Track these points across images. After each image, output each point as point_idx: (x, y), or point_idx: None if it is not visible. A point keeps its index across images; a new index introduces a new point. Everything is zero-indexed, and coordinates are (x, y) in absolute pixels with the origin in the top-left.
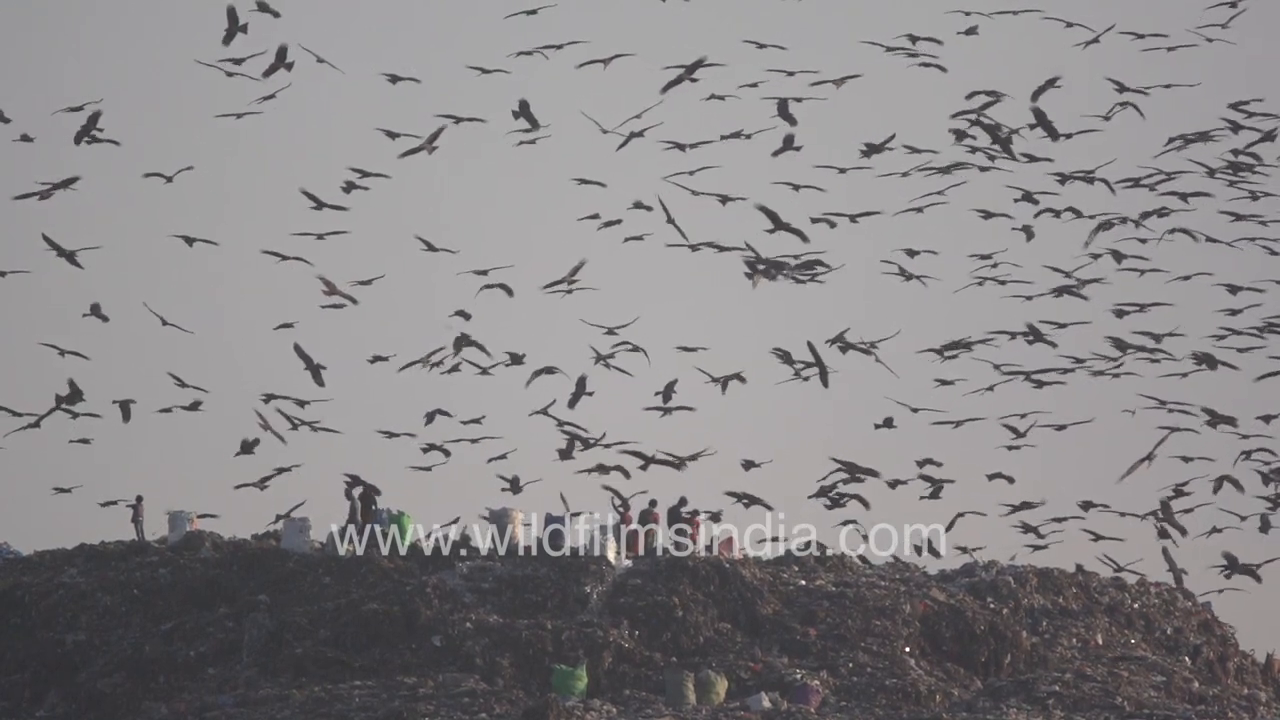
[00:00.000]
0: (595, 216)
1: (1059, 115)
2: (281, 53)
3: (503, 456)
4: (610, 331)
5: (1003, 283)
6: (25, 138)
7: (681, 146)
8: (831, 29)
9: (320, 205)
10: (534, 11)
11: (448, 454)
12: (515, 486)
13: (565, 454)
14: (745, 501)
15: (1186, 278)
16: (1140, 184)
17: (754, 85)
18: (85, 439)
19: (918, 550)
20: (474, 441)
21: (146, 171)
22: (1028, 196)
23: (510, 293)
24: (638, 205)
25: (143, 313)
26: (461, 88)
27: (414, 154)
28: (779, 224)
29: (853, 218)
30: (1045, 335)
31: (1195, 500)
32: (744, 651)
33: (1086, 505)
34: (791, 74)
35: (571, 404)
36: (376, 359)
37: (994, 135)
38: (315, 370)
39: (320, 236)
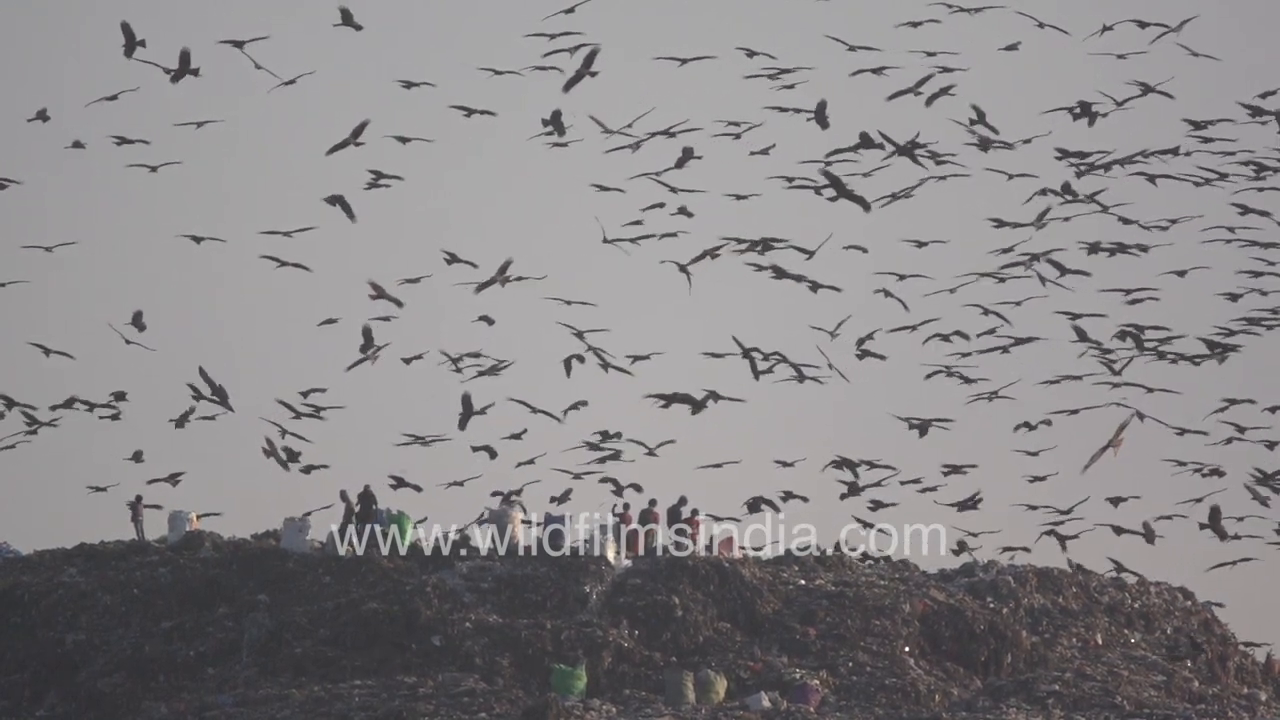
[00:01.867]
0: (639, 223)
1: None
2: (185, 57)
3: (530, 461)
4: (579, 335)
5: (1002, 280)
6: (77, 144)
7: (671, 133)
8: (829, 29)
9: (334, 201)
10: (571, 10)
11: (494, 454)
12: (564, 498)
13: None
14: (783, 497)
15: (1182, 273)
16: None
17: (791, 87)
18: (138, 453)
19: (955, 552)
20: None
21: (147, 169)
22: (1067, 189)
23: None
24: (681, 210)
25: (154, 316)
26: (471, 90)
27: (341, 149)
28: (842, 191)
29: (818, 189)
30: (1088, 334)
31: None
32: (743, 651)
33: (1115, 500)
34: (789, 71)
35: (461, 425)
36: (412, 359)
37: (897, 146)
38: (220, 393)
39: (288, 234)
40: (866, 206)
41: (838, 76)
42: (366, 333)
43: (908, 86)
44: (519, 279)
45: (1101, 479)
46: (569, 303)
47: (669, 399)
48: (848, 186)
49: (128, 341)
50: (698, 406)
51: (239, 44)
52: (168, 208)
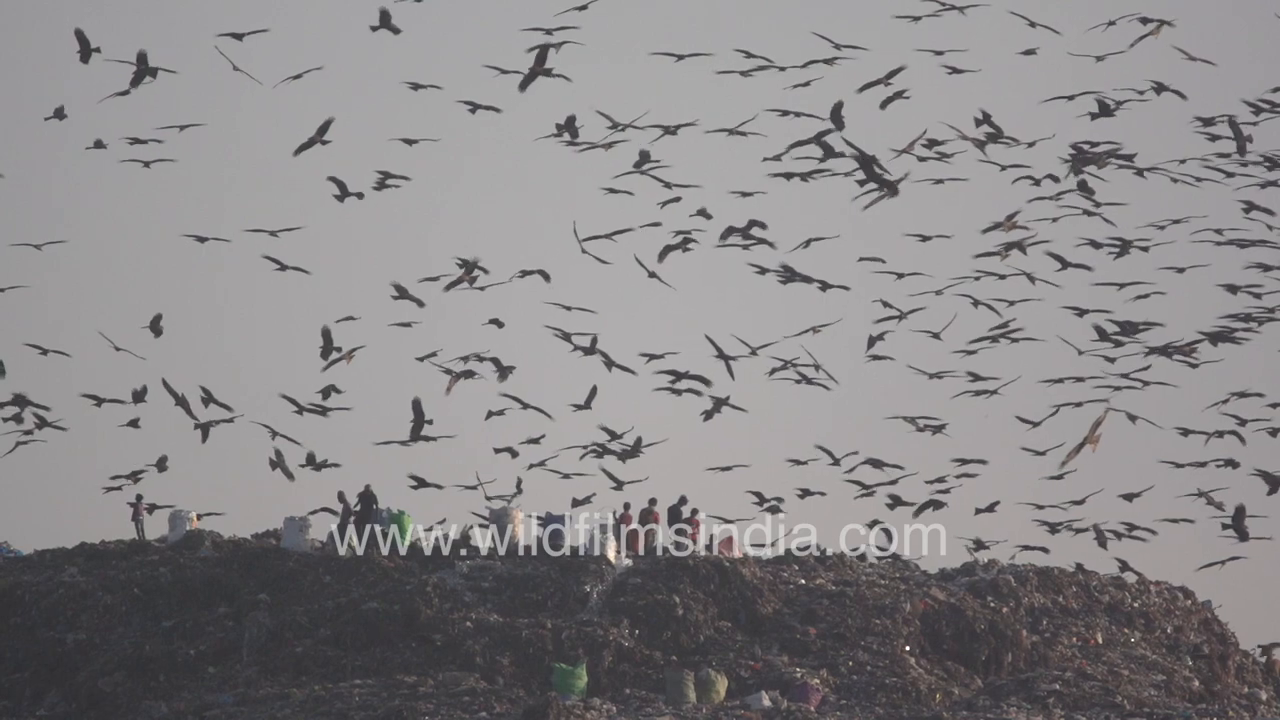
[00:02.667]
0: (657, 224)
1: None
2: (142, 58)
3: (542, 464)
4: (565, 336)
5: (1003, 277)
6: (99, 144)
7: (672, 130)
8: (827, 29)
9: (344, 195)
10: (584, 6)
11: (515, 454)
12: (584, 500)
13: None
14: (800, 494)
15: (1181, 270)
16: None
17: (806, 84)
18: (162, 458)
19: (970, 550)
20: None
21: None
22: (1083, 186)
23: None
24: (700, 213)
25: (163, 318)
26: (475, 90)
27: (307, 148)
28: (871, 173)
29: (804, 177)
30: (1110, 334)
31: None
32: (744, 650)
33: (1129, 497)
34: (770, 68)
35: (413, 435)
36: (426, 357)
37: (860, 154)
38: (184, 404)
39: (274, 234)
40: (894, 190)
41: (831, 77)
42: (325, 334)
43: (878, 78)
44: (528, 272)
45: (1110, 478)
46: (569, 308)
47: (679, 376)
48: (877, 170)
49: (117, 348)
50: (710, 411)
51: (238, 36)
52: (171, 208)
